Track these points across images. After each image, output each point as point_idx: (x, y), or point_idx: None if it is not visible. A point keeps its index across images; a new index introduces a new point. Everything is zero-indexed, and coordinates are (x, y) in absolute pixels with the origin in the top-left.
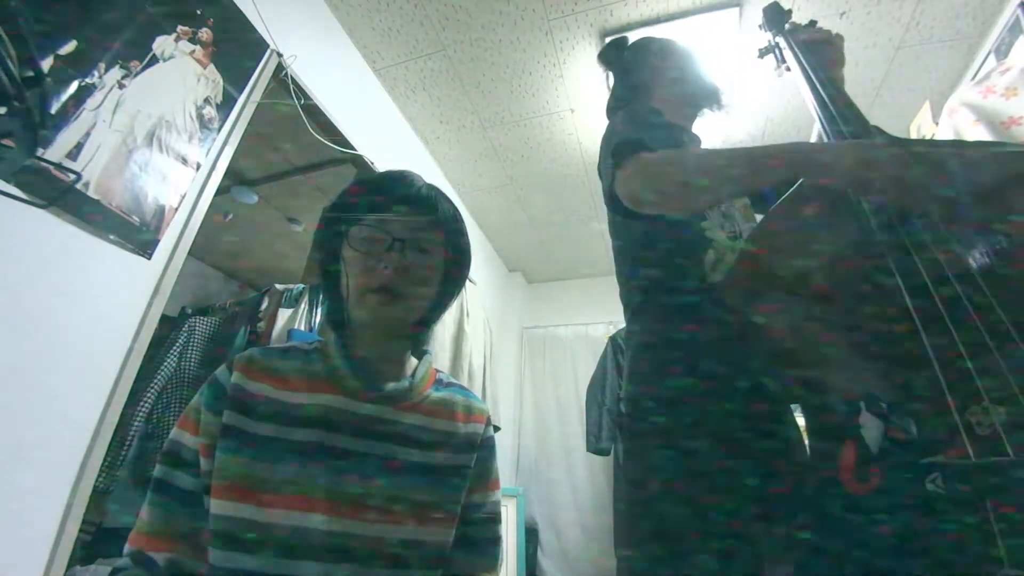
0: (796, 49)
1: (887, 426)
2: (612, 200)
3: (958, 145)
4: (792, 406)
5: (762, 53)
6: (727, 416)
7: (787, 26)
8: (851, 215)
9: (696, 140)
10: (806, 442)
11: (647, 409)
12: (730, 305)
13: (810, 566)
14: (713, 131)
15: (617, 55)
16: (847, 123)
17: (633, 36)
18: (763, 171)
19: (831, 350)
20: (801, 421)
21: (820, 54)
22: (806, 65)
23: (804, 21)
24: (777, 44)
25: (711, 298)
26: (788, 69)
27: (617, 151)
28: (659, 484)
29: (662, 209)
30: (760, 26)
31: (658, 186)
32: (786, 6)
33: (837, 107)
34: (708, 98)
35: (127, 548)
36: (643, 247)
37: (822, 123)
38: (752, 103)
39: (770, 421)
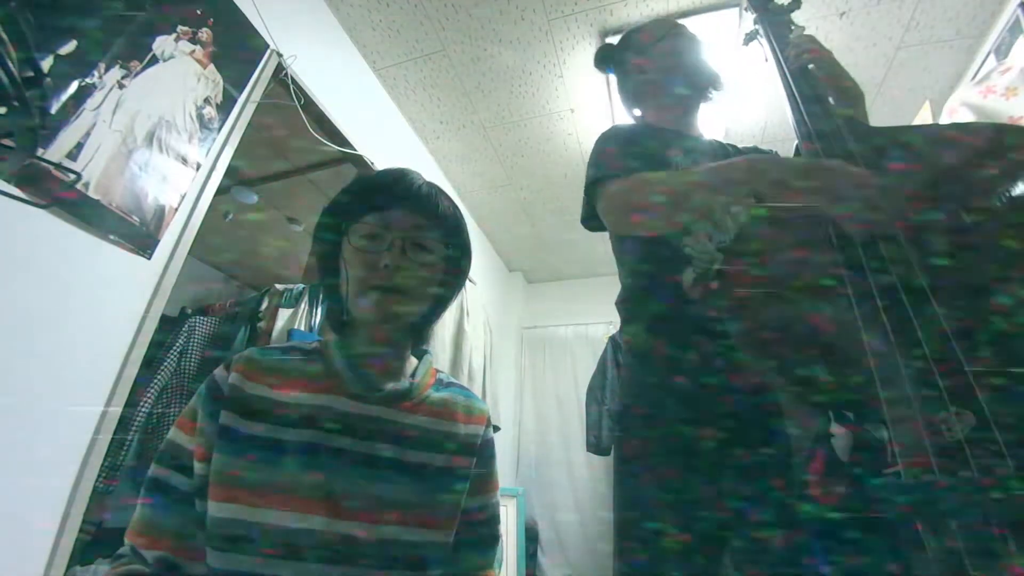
0: (771, 38)
1: (856, 437)
2: (587, 222)
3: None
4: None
5: (747, 39)
6: (704, 428)
7: (770, 7)
8: (821, 227)
9: (690, 142)
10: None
11: (632, 421)
12: (708, 319)
13: (784, 571)
14: (712, 131)
15: (607, 64)
16: (812, 115)
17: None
18: (717, 190)
19: (799, 362)
20: None
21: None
22: (780, 57)
23: (802, 22)
24: (757, 30)
25: (689, 314)
26: (767, 59)
27: (590, 187)
28: (642, 497)
29: (636, 232)
30: (744, 8)
31: (623, 215)
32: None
33: (804, 102)
34: (695, 93)
35: (125, 541)
36: (627, 262)
37: (790, 115)
38: (752, 103)
39: (751, 434)
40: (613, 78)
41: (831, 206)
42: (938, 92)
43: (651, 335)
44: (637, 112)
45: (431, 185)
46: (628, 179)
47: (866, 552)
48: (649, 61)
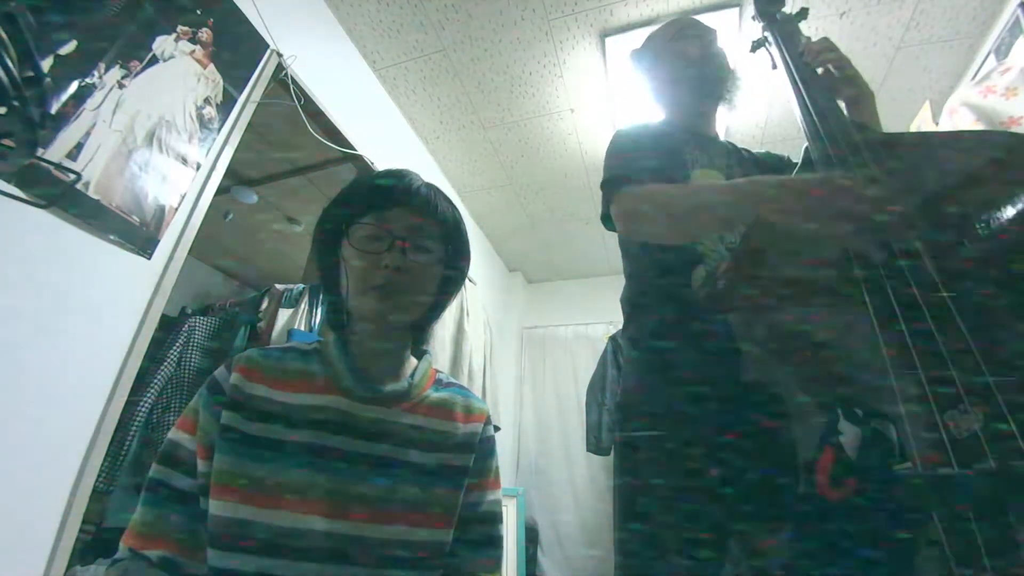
0: (782, 46)
1: (864, 432)
2: (604, 221)
3: (927, 138)
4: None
5: (754, 47)
6: (707, 426)
7: (778, 16)
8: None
9: (706, 141)
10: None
11: (632, 417)
12: (713, 318)
13: (793, 570)
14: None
15: (636, 66)
16: (824, 122)
17: (635, 38)
18: (735, 212)
19: (809, 358)
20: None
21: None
22: (790, 63)
23: (802, 22)
24: (766, 38)
25: (697, 313)
26: (775, 67)
27: (606, 185)
28: (642, 495)
29: (646, 240)
30: (752, 17)
31: (639, 225)
32: (787, 4)
33: (815, 107)
34: (706, 95)
35: (121, 546)
36: (637, 260)
37: (802, 123)
38: (752, 103)
39: (755, 431)
40: (611, 78)
41: (839, 231)
42: (938, 92)
43: (655, 332)
44: (659, 112)
45: (430, 186)
46: (641, 189)
47: (875, 549)
48: (661, 65)
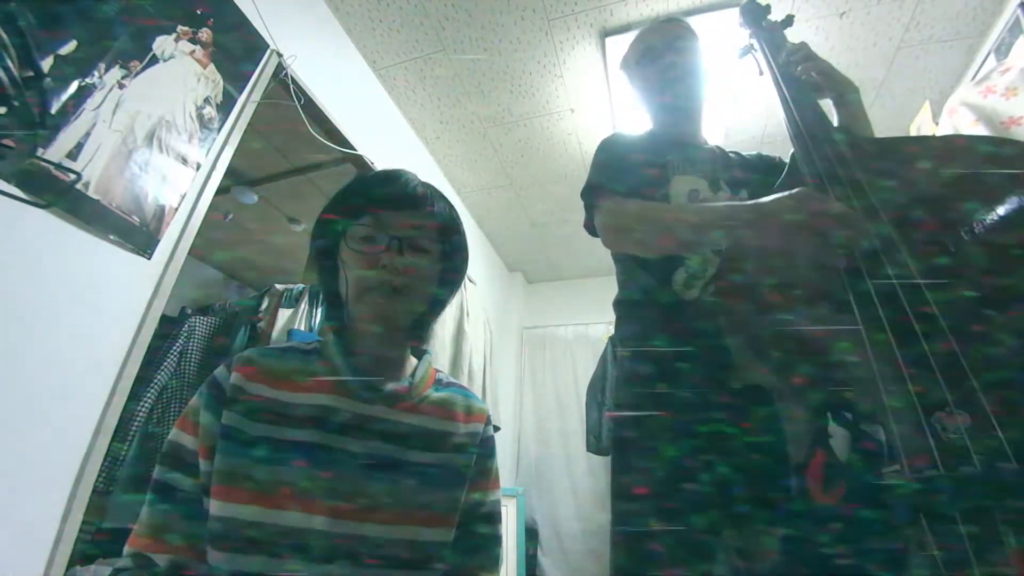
0: (767, 53)
1: (854, 436)
2: (588, 229)
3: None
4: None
5: (742, 53)
6: (697, 429)
7: (763, 23)
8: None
9: (690, 150)
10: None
11: (625, 421)
12: (701, 321)
13: (784, 573)
14: (712, 133)
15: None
16: (807, 124)
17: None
18: (702, 233)
19: (798, 363)
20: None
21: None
22: (775, 70)
23: (802, 22)
24: (752, 45)
25: (682, 315)
26: (761, 73)
27: (585, 193)
28: (636, 496)
29: (628, 252)
30: (739, 24)
31: (620, 238)
32: (784, 6)
33: (802, 115)
34: (680, 111)
35: (127, 549)
36: (622, 263)
37: (787, 127)
38: (752, 105)
39: (745, 434)
40: (611, 78)
41: (808, 246)
42: (938, 92)
43: (644, 335)
44: (649, 121)
45: (427, 186)
46: (620, 205)
47: (864, 550)
48: (634, 86)
